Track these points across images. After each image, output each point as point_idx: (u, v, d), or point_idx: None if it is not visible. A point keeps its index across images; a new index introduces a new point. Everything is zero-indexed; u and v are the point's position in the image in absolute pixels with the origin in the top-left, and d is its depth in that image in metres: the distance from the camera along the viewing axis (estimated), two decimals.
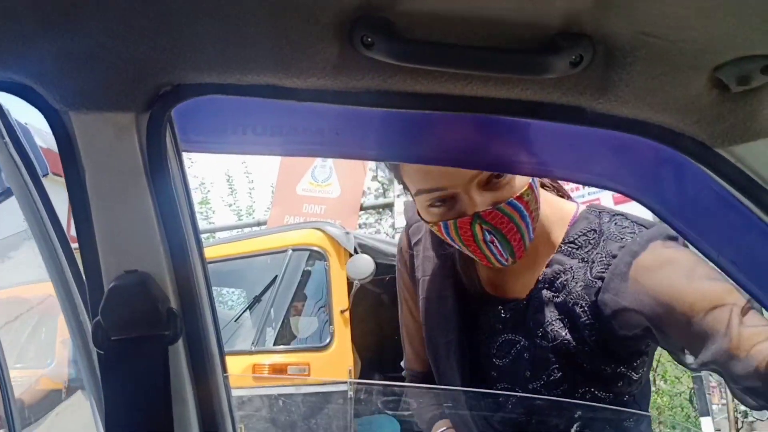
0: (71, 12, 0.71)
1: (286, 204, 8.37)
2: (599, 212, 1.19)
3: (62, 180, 0.82)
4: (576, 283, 1.14)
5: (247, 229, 9.45)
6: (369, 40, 0.71)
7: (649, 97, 0.73)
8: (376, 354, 5.79)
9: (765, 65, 0.67)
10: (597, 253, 1.14)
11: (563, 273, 1.16)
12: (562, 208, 1.22)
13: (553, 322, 1.14)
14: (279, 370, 4.41)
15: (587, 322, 1.12)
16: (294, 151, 0.92)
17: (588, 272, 1.14)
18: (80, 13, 0.71)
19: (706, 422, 6.40)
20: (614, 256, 1.11)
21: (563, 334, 1.13)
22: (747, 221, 0.80)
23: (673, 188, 0.87)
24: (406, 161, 1.04)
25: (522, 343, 1.17)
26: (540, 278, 1.18)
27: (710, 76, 0.71)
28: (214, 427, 0.88)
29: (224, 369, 0.90)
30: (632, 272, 1.08)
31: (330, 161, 8.32)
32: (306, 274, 4.93)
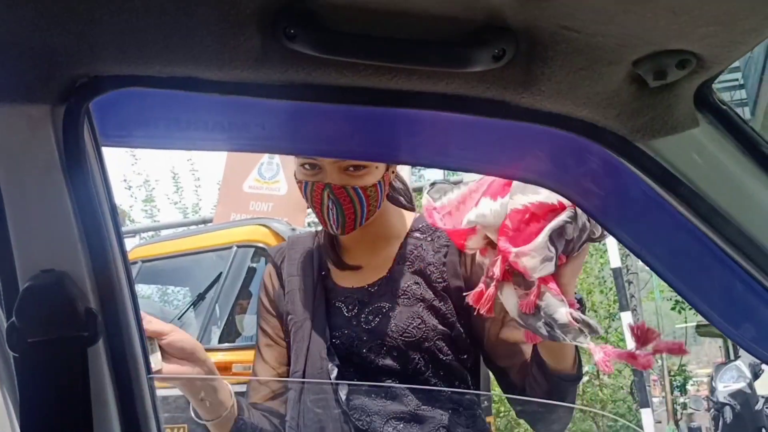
0: None
1: (232, 201, 8.26)
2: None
3: None
4: (426, 252, 1.44)
5: (192, 227, 9.30)
6: (292, 31, 0.69)
7: (571, 92, 0.74)
8: None
9: (680, 60, 0.69)
10: (438, 235, 1.45)
11: (415, 249, 1.45)
12: (404, 214, 1.53)
13: (412, 286, 1.40)
14: (224, 368, 4.34)
15: (439, 278, 1.40)
16: (219, 146, 0.90)
17: (435, 243, 1.44)
18: None
19: (646, 413, 6.58)
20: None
21: (421, 291, 1.40)
22: (668, 215, 0.82)
23: (597, 182, 0.88)
24: (332, 156, 1.05)
25: (388, 305, 1.39)
26: (396, 256, 1.45)
27: (629, 70, 0.72)
28: (137, 430, 0.85)
29: (148, 370, 0.88)
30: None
31: (277, 158, 8.24)
32: (251, 271, 4.87)
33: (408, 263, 1.44)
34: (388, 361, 1.34)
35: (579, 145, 0.81)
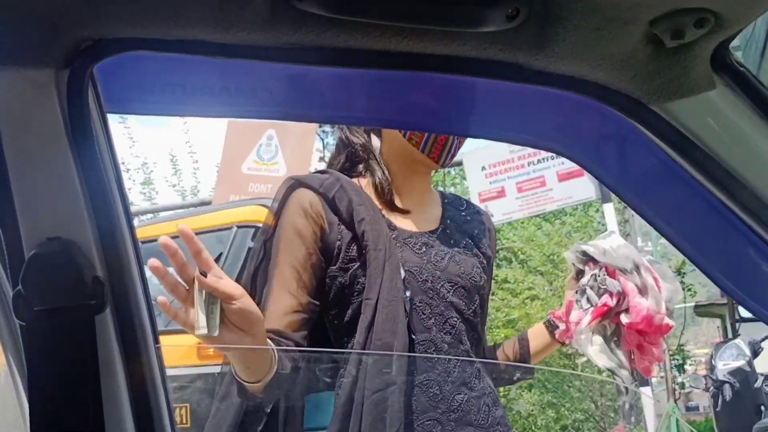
0: None
1: (231, 183, 8.23)
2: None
3: None
4: (469, 223, 1.58)
5: (192, 209, 9.27)
6: None
7: (586, 53, 0.73)
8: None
9: (698, 18, 0.67)
10: (472, 215, 1.62)
11: (457, 216, 1.57)
12: None
13: (467, 242, 1.54)
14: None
15: (483, 245, 1.56)
16: (226, 112, 0.89)
17: (473, 219, 1.60)
18: None
19: (645, 392, 6.60)
20: (483, 213, 1.66)
21: (474, 249, 1.54)
22: (682, 180, 0.80)
23: (609, 147, 0.87)
24: (341, 122, 1.02)
25: (451, 252, 1.48)
26: (443, 216, 1.55)
27: (645, 30, 0.70)
28: (145, 400, 0.84)
29: (156, 340, 0.87)
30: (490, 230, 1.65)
31: (275, 140, 8.20)
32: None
33: (455, 225, 1.56)
34: (456, 299, 1.42)
35: (592, 109, 0.79)
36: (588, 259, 1.51)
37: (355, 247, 1.39)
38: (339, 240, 1.39)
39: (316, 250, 1.38)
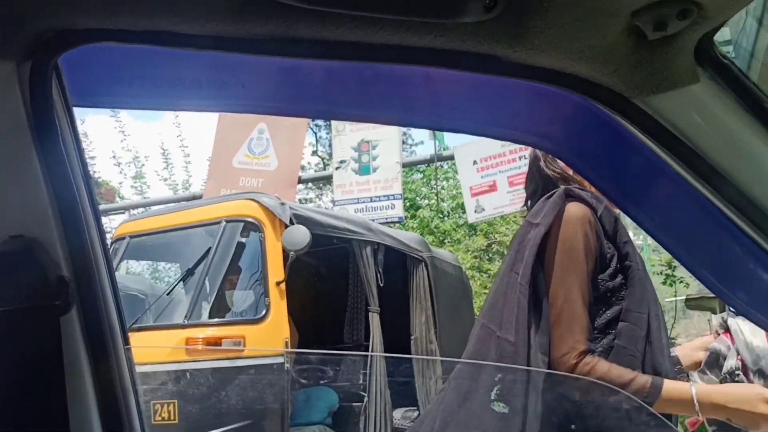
0: None
1: (222, 177, 8.20)
2: None
3: None
4: None
5: (182, 203, 9.22)
6: None
7: (566, 45, 0.70)
8: (314, 326, 5.76)
9: (681, 10, 0.65)
10: None
11: None
12: None
13: None
14: (213, 343, 4.32)
15: None
16: (197, 106, 0.86)
17: None
18: None
19: None
20: None
21: None
22: (665, 175, 0.78)
23: (591, 141, 0.84)
24: (316, 116, 1.00)
25: None
26: None
27: (627, 22, 0.68)
28: (114, 402, 0.82)
29: (126, 341, 0.85)
30: None
31: (267, 133, 8.17)
32: (240, 246, 4.82)
33: None
34: None
35: (574, 103, 0.77)
36: (726, 329, 1.66)
37: (619, 262, 1.52)
38: (609, 252, 1.52)
39: (595, 260, 1.51)
